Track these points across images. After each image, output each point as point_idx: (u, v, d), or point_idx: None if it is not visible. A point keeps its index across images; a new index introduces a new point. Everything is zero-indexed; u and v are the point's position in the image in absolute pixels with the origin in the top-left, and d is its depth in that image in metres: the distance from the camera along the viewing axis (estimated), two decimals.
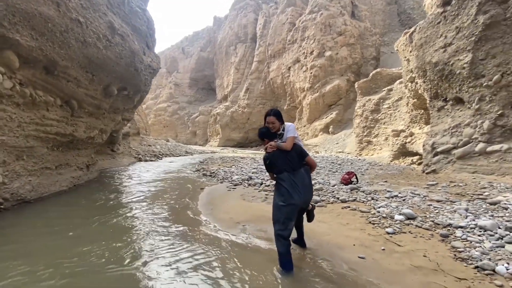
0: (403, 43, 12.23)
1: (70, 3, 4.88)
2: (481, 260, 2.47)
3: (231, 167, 11.93)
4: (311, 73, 28.63)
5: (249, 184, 7.33)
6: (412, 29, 11.23)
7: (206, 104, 56.05)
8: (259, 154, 24.89)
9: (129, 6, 7.56)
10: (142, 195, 6.21)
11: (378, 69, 19.63)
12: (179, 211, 4.87)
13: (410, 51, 11.30)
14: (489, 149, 7.33)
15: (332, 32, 28.78)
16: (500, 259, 2.47)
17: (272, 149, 2.81)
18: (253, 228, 3.77)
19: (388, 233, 3.33)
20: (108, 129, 9.59)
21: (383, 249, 2.92)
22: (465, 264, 2.49)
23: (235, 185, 7.39)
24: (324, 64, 27.91)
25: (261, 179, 7.68)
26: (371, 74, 19.11)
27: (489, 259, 2.48)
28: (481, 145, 7.53)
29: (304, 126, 29.52)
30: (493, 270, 2.34)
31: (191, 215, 4.53)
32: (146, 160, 17.27)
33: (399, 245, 2.97)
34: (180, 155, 23.14)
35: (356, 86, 19.62)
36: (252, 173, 9.09)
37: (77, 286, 2.38)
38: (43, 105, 5.32)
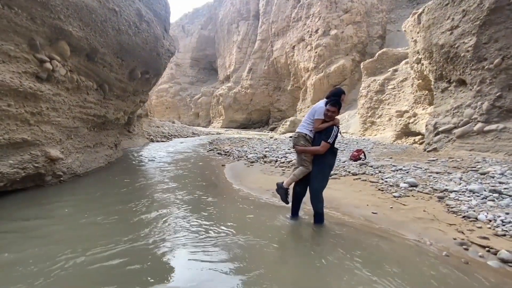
0: (411, 24, 12.37)
1: None
2: (467, 212, 3.22)
3: (242, 146, 12.63)
4: (315, 52, 28.48)
5: (265, 162, 8.04)
6: (421, 9, 11.37)
7: (208, 85, 55.65)
8: (264, 135, 25.55)
9: None
10: (173, 172, 6.96)
11: (384, 49, 19.70)
12: (212, 183, 5.65)
13: (418, 32, 11.48)
14: (486, 128, 7.90)
15: (338, 9, 28.26)
16: (482, 211, 3.22)
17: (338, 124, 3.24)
18: None
19: (394, 196, 4.07)
20: (129, 111, 10.19)
21: (391, 207, 3.67)
22: (455, 215, 3.24)
23: (252, 162, 8.10)
24: (329, 43, 27.71)
25: (276, 157, 8.38)
26: (377, 54, 19.22)
27: (474, 211, 3.23)
28: (479, 124, 8.09)
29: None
30: (476, 218, 3.10)
31: (225, 186, 5.31)
32: (157, 141, 18.01)
33: (404, 205, 3.72)
34: (187, 136, 23.87)
35: (361, 66, 19.80)
36: (266, 151, 9.80)
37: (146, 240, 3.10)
38: (85, 89, 5.91)
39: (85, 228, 3.24)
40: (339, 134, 3.24)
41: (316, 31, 29.03)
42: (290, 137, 13.45)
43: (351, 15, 27.83)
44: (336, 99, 3.24)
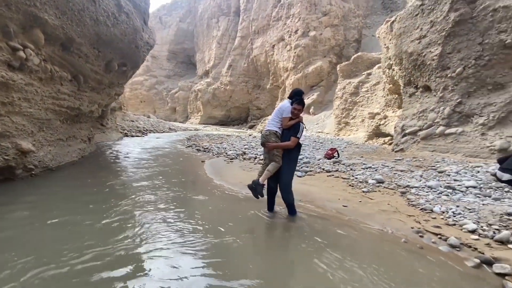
0: (384, 31, 13.08)
1: None
2: (424, 205, 3.64)
3: (221, 143, 12.68)
4: (295, 52, 29.01)
5: (244, 158, 8.20)
6: (393, 18, 12.09)
7: (186, 79, 54.46)
8: (243, 132, 25.68)
9: None
10: (151, 168, 6.87)
11: (359, 53, 20.59)
12: (193, 178, 5.71)
13: (390, 39, 12.18)
14: (447, 131, 8.65)
15: (317, 11, 28.98)
16: (437, 204, 3.65)
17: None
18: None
19: (363, 192, 4.45)
20: (103, 104, 9.85)
21: (360, 201, 4.03)
22: (414, 208, 3.66)
23: (231, 159, 8.22)
24: (308, 44, 28.36)
25: (255, 154, 8.57)
26: (352, 58, 20.04)
27: (430, 204, 3.66)
28: (441, 128, 8.83)
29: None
30: (431, 210, 3.52)
31: (206, 181, 5.40)
32: (132, 136, 17.46)
33: (371, 199, 4.09)
34: (164, 132, 23.33)
35: (338, 68, 20.54)
36: (245, 148, 9.95)
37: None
38: (58, 80, 5.67)
39: (53, 230, 2.98)
40: (304, 129, 3.54)
41: (296, 32, 29.57)
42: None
43: (329, 18, 28.67)
44: (301, 99, 3.55)
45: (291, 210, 3.58)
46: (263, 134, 3.65)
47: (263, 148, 3.74)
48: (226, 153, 9.12)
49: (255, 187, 3.56)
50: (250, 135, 19.63)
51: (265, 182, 3.62)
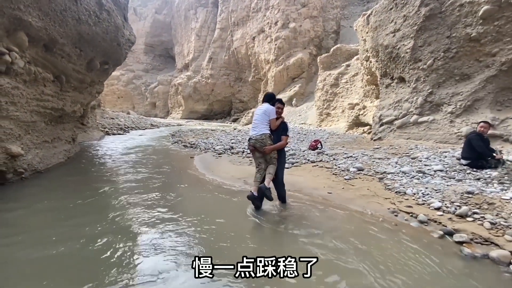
0: (361, 24, 13.54)
1: None
2: (399, 188, 4.12)
3: (207, 138, 12.80)
4: (275, 44, 29.17)
5: (232, 153, 8.44)
6: (369, 11, 12.55)
7: (165, 73, 53.09)
8: (227, 126, 25.76)
9: None
10: (144, 166, 6.92)
11: (338, 45, 21.09)
12: (185, 174, 5.89)
13: (367, 32, 12.65)
14: (420, 120, 9.30)
15: (296, 3, 29.15)
16: (409, 187, 4.14)
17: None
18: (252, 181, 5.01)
19: (345, 179, 4.88)
20: (85, 103, 9.66)
21: (343, 188, 4.45)
22: (390, 191, 4.13)
23: (219, 154, 8.42)
24: (288, 36, 28.59)
25: (242, 148, 8.83)
26: (332, 49, 20.51)
27: (403, 187, 4.14)
28: (414, 117, 9.47)
29: None
30: (405, 192, 4.01)
31: (198, 176, 5.62)
32: (113, 134, 17.10)
33: (352, 185, 4.53)
34: (146, 128, 22.95)
35: (318, 60, 20.97)
36: (232, 143, 10.17)
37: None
38: (42, 81, 5.59)
39: (36, 262, 2.49)
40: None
41: (276, 23, 29.64)
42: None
43: (308, 9, 28.94)
44: (280, 99, 3.88)
45: (284, 200, 3.92)
46: (258, 139, 3.57)
47: (255, 153, 3.67)
48: (214, 148, 9.30)
49: (256, 196, 3.50)
50: (234, 129, 19.80)
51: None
